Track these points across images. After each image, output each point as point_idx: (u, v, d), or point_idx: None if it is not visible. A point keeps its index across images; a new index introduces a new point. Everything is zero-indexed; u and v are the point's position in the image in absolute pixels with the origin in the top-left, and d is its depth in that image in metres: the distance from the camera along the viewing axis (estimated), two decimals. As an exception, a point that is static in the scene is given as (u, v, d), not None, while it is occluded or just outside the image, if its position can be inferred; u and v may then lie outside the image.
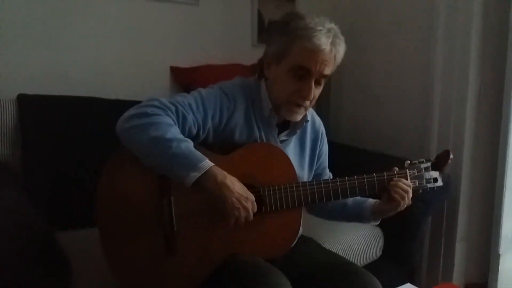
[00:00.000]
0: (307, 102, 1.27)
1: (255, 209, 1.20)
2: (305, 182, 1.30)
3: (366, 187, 1.30)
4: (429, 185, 1.34)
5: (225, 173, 1.17)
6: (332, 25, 1.24)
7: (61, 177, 1.72)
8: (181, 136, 1.17)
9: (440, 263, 2.13)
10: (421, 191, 1.34)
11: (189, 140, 1.18)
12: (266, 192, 1.25)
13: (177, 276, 1.24)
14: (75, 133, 1.76)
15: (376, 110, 2.39)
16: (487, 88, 2.03)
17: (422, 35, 2.14)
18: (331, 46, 1.21)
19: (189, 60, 2.23)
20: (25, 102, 1.74)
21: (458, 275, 2.12)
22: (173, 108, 1.19)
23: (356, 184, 1.30)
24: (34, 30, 1.89)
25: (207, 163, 1.15)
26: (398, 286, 1.11)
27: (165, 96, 1.24)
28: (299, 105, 1.27)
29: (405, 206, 1.31)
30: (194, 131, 1.24)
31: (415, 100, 2.22)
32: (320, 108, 2.39)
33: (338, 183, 1.29)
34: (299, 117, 1.31)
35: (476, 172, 2.09)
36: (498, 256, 2.00)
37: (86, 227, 1.59)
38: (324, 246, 1.53)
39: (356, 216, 1.44)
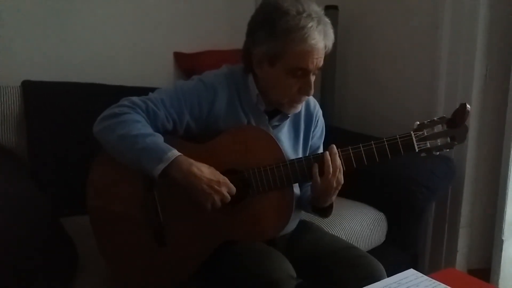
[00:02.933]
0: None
1: (233, 191, 1.19)
2: (293, 159, 1.26)
3: (353, 158, 1.23)
4: (443, 144, 1.23)
5: (192, 161, 1.16)
6: (315, 8, 1.19)
7: (66, 163, 1.73)
8: (148, 131, 1.17)
9: (443, 249, 2.13)
10: (438, 153, 1.24)
11: (157, 134, 1.18)
12: (252, 175, 1.23)
13: (170, 266, 1.24)
14: (79, 119, 1.76)
15: (382, 96, 2.38)
16: (493, 73, 2.01)
17: (428, 20, 2.11)
18: (324, 41, 1.19)
19: (192, 46, 2.22)
20: (29, 89, 1.74)
21: (461, 261, 2.12)
22: (143, 105, 1.20)
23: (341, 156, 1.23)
24: (39, 17, 1.88)
25: (173, 154, 1.14)
26: (401, 271, 1.11)
27: (169, 82, 1.24)
28: (301, 100, 1.28)
29: (331, 185, 1.22)
30: (169, 125, 1.24)
31: (420, 85, 2.20)
32: (325, 95, 2.38)
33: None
34: (299, 108, 1.32)
35: (481, 158, 2.08)
36: (501, 242, 2.00)
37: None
38: (327, 231, 1.53)
39: (304, 204, 1.38)
